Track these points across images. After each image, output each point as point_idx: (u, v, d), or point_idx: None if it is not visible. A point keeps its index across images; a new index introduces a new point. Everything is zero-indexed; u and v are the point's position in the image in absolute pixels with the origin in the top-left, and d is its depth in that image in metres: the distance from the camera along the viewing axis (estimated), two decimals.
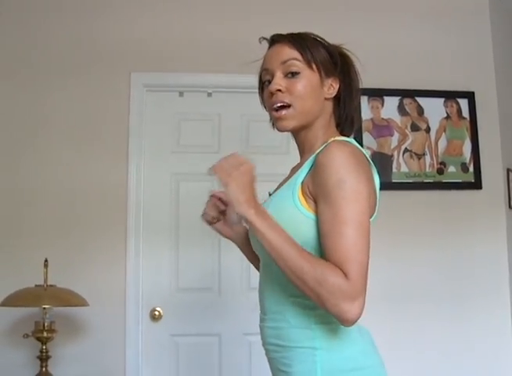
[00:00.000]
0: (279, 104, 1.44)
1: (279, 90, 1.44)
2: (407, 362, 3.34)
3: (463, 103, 3.64)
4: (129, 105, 3.40)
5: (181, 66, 3.46)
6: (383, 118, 3.56)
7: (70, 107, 3.37)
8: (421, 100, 3.61)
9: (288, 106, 1.44)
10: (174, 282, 3.38)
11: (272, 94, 1.46)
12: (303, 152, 1.52)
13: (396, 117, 3.58)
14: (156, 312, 3.32)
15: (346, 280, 1.23)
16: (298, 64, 1.44)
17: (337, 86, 1.49)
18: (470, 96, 3.65)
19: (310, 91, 1.44)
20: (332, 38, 1.56)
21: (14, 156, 3.31)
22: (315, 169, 1.35)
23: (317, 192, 1.33)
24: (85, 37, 3.43)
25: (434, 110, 3.61)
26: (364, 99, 3.51)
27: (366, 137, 3.50)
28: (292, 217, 1.35)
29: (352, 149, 1.35)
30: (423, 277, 3.49)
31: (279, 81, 1.44)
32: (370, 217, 1.36)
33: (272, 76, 1.47)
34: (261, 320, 1.51)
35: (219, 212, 1.68)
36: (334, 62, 1.48)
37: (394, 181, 3.50)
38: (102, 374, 3.14)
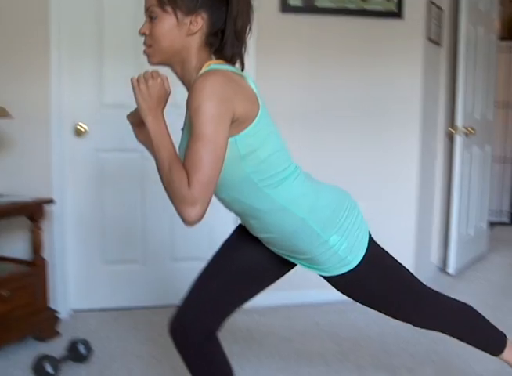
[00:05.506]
0: (144, 46, 1.67)
1: (145, 33, 1.65)
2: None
3: None
4: None
5: None
6: None
7: None
8: None
9: (150, 45, 1.65)
10: (99, 98, 3.42)
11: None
12: (188, 85, 1.68)
13: None
14: (81, 128, 3.39)
15: (187, 187, 1.45)
16: (156, 9, 1.61)
17: (201, 21, 1.61)
18: None
19: (166, 32, 1.62)
20: None
21: None
22: None
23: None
24: None
25: None
26: None
27: None
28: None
29: (216, 76, 1.51)
30: (343, 105, 3.66)
31: (145, 25, 1.65)
32: (237, 134, 1.55)
33: None
34: (242, 222, 1.82)
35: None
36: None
37: (317, 5, 3.53)
38: (28, 188, 3.24)
